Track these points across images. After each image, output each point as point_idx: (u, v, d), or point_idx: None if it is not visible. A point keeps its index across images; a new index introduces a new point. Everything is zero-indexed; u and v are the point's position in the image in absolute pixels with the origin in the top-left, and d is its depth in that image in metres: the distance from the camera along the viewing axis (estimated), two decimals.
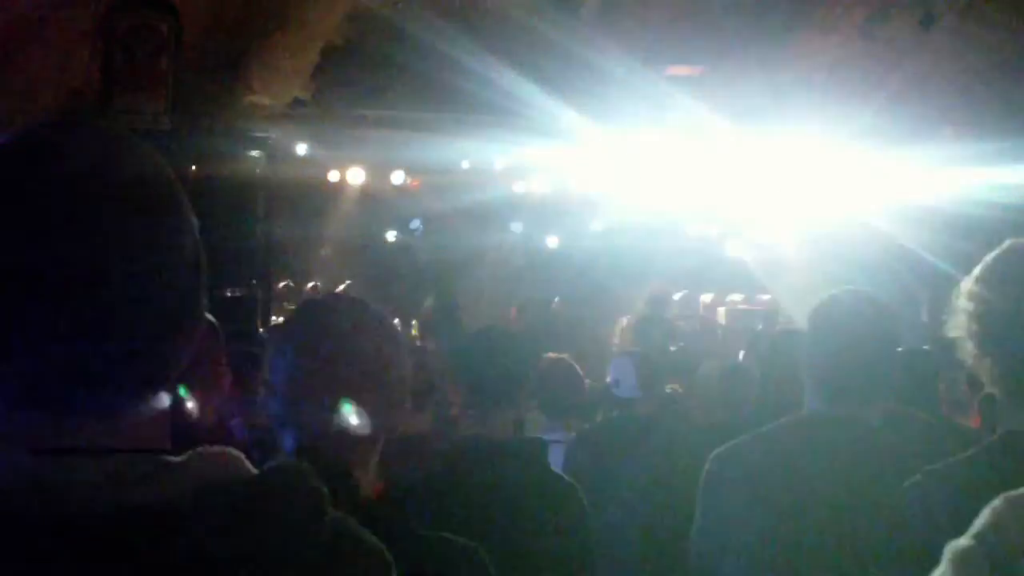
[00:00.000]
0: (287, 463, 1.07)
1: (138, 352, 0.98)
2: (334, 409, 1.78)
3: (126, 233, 0.96)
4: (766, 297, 13.38)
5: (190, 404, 2.42)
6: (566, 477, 2.99)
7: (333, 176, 11.85)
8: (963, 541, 1.34)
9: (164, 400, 1.03)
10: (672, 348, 9.64)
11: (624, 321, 8.92)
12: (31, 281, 0.93)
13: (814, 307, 2.62)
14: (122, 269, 0.96)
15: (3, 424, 0.97)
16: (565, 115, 10.10)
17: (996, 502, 1.36)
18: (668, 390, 5.18)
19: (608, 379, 4.90)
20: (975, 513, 1.38)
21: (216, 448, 1.01)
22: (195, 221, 1.04)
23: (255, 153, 10.31)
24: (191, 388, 2.44)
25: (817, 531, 2.37)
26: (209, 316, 2.54)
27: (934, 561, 1.37)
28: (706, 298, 14.08)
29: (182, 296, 1.01)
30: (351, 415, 1.80)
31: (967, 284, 1.84)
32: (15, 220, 0.94)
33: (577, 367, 4.93)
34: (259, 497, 0.98)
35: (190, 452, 0.99)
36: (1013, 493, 1.36)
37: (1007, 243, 1.84)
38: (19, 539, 0.90)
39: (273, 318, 9.98)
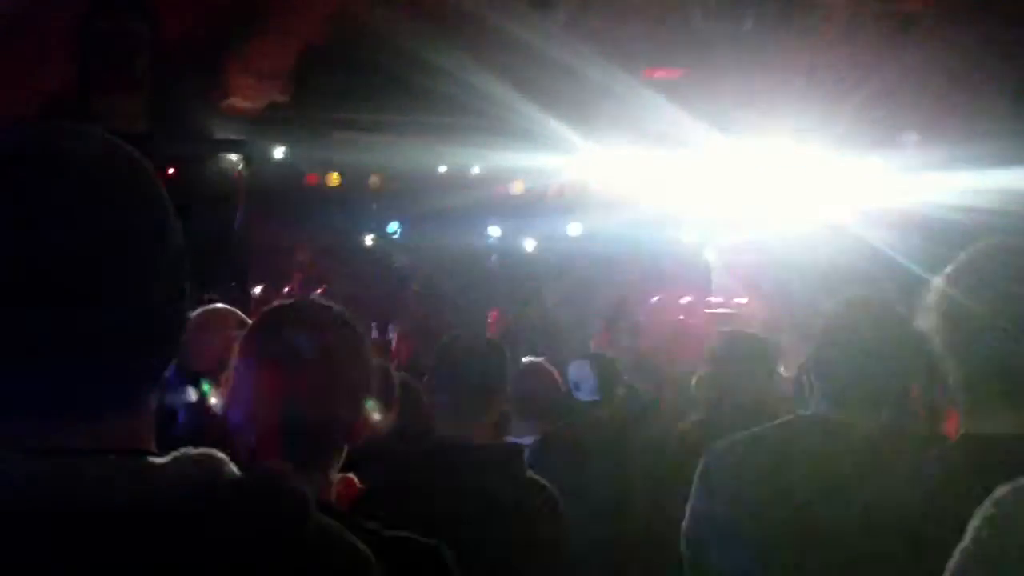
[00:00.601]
0: (270, 465, 1.07)
1: (124, 355, 0.98)
2: (286, 415, 1.77)
3: (113, 236, 0.96)
4: (743, 301, 13.41)
5: (214, 400, 2.39)
6: (543, 482, 2.99)
7: (310, 180, 11.80)
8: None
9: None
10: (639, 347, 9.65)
11: (601, 325, 8.93)
12: (15, 285, 0.93)
13: (825, 311, 2.59)
14: (108, 272, 0.95)
15: None
16: (542, 119, 10.11)
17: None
18: (642, 392, 5.19)
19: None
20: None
21: (200, 450, 1.01)
22: (179, 224, 1.04)
23: (232, 156, 10.29)
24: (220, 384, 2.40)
25: (800, 533, 2.37)
26: (240, 313, 2.53)
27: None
28: (683, 302, 14.11)
29: (167, 298, 1.02)
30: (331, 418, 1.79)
31: (937, 284, 1.84)
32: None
33: (553, 371, 4.93)
34: (242, 499, 0.98)
35: (174, 454, 0.99)
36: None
37: (978, 245, 1.84)
38: (13, 537, 0.90)
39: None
